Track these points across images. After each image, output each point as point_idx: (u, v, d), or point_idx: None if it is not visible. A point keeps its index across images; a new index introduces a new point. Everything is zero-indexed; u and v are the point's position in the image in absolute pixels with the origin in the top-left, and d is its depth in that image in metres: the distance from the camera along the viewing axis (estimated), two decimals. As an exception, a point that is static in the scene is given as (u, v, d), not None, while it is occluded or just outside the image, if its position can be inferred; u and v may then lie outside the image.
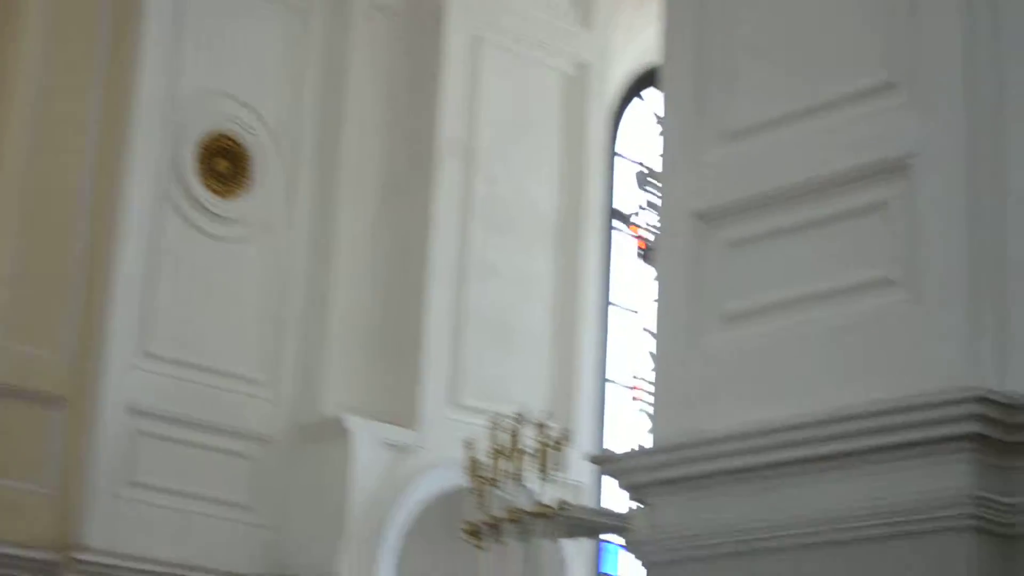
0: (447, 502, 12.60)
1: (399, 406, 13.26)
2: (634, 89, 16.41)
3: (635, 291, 16.04)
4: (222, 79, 13.33)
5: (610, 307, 15.80)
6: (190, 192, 12.94)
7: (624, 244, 16.23)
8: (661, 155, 7.65)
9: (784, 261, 6.79)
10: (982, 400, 5.84)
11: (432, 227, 13.66)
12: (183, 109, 13.05)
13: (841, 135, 6.60)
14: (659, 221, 7.96)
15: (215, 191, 13.11)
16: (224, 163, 13.20)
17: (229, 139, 13.22)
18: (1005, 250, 6.25)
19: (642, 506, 6.99)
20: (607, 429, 15.32)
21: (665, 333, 7.18)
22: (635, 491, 7.02)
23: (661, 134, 7.87)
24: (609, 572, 15.06)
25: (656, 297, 7.51)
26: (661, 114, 7.83)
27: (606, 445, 14.68)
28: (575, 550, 13.48)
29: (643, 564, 6.93)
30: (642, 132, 16.48)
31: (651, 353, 12.78)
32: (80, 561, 11.82)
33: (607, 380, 15.60)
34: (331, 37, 13.83)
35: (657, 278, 7.82)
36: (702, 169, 7.08)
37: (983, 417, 5.87)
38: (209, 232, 12.99)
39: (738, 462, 6.43)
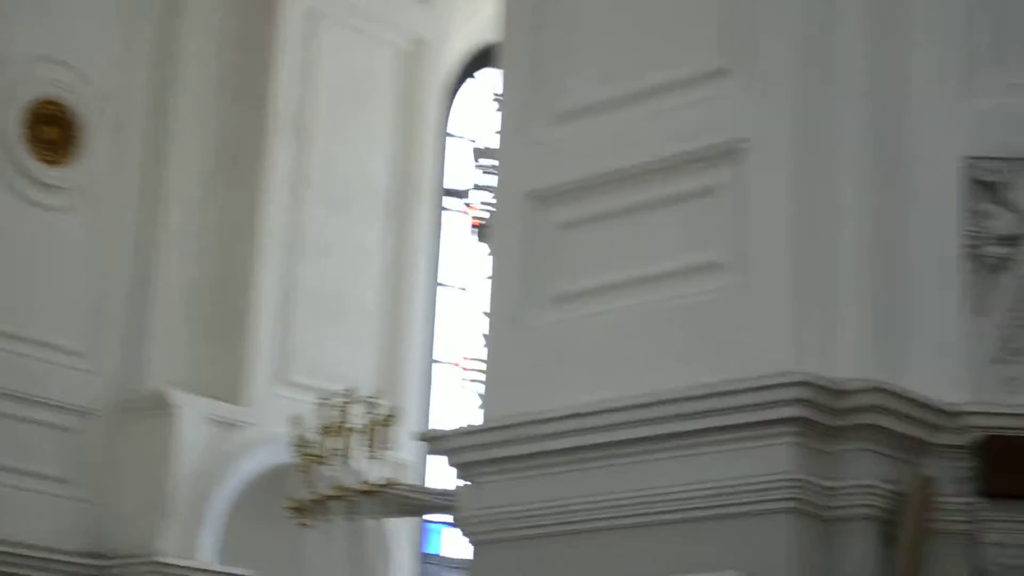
0: (273, 479, 12.53)
1: (226, 382, 13.15)
2: (470, 67, 16.44)
3: (466, 270, 16.07)
4: (51, 44, 12.98)
5: (440, 286, 15.82)
6: (15, 159, 12.62)
7: (456, 222, 16.25)
8: (497, 134, 7.67)
9: (615, 243, 6.83)
10: (805, 385, 5.94)
11: (263, 201, 13.55)
12: (9, 74, 12.73)
13: (674, 119, 6.65)
14: (493, 200, 7.99)
15: (42, 159, 12.80)
16: (51, 130, 12.89)
17: (57, 105, 12.92)
18: (832, 237, 6.39)
19: (470, 485, 6.99)
20: (435, 408, 15.38)
21: (497, 312, 7.19)
22: (464, 470, 7.02)
23: (498, 112, 7.87)
24: (433, 552, 15.10)
25: (488, 276, 7.54)
26: (497, 93, 7.84)
27: (434, 424, 14.68)
28: (400, 529, 13.55)
29: (470, 543, 6.94)
30: (477, 111, 16.50)
31: (482, 332, 12.88)
32: None
33: (435, 359, 15.64)
34: (164, 5, 13.59)
35: (490, 257, 7.82)
36: (537, 149, 7.09)
37: (806, 401, 5.98)
38: (33, 200, 12.69)
39: (567, 442, 6.46)
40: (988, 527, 6.33)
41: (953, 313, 6.64)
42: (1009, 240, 6.61)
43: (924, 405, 6.30)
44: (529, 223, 7.04)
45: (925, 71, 6.74)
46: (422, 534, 14.77)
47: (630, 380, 6.35)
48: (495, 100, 11.44)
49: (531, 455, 6.59)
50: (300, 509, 11.22)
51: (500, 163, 7.63)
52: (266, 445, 12.75)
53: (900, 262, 6.61)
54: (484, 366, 7.48)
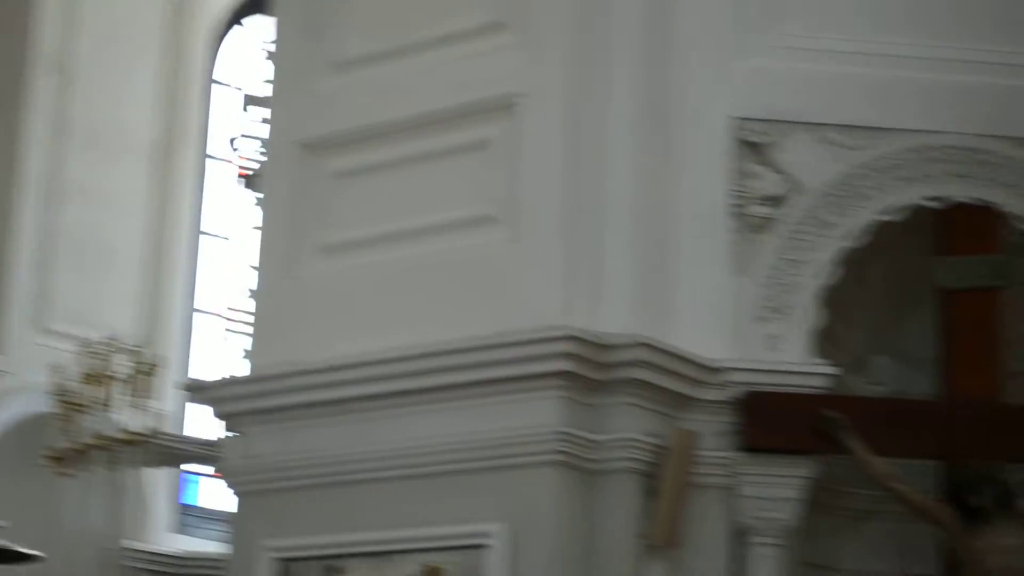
0: (31, 429, 12.37)
1: (-18, 329, 12.91)
2: (238, 14, 16.32)
3: (231, 219, 16.00)
4: None
5: (204, 235, 15.72)
6: None
7: (222, 171, 16.13)
8: (269, 82, 7.67)
9: (387, 195, 6.90)
10: (572, 339, 6.08)
11: (22, 144, 13.30)
12: None
13: (449, 72, 6.74)
14: (263, 149, 7.96)
15: None
16: None
17: None
18: (602, 194, 6.55)
19: (235, 435, 7.01)
20: (197, 358, 15.30)
21: (266, 262, 7.21)
22: (229, 420, 7.03)
23: (269, 61, 7.82)
24: (191, 503, 15.03)
25: (256, 225, 7.51)
26: (268, 41, 7.77)
27: (196, 374, 14.64)
28: (158, 479, 13.53)
29: (235, 493, 6.96)
30: (245, 58, 16.39)
31: (247, 283, 12.84)
32: None
33: (198, 308, 15.55)
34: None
35: (259, 206, 7.80)
36: (310, 98, 7.11)
37: (573, 356, 6.12)
38: None
39: (333, 393, 6.52)
40: (746, 480, 6.63)
41: (718, 271, 6.91)
42: (773, 200, 6.95)
43: (687, 361, 6.54)
44: (301, 172, 7.06)
45: (695, 32, 6.97)
46: (180, 485, 14.69)
47: (400, 332, 6.43)
48: (266, 48, 11.39)
49: (298, 406, 6.63)
50: (59, 459, 11.17)
51: (272, 112, 7.65)
52: (23, 394, 12.58)
53: (668, 220, 6.82)
54: (249, 316, 7.46)
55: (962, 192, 7.05)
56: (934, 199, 6.99)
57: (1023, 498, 6.68)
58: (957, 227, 7.27)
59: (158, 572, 12.85)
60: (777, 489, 6.73)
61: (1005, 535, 6.61)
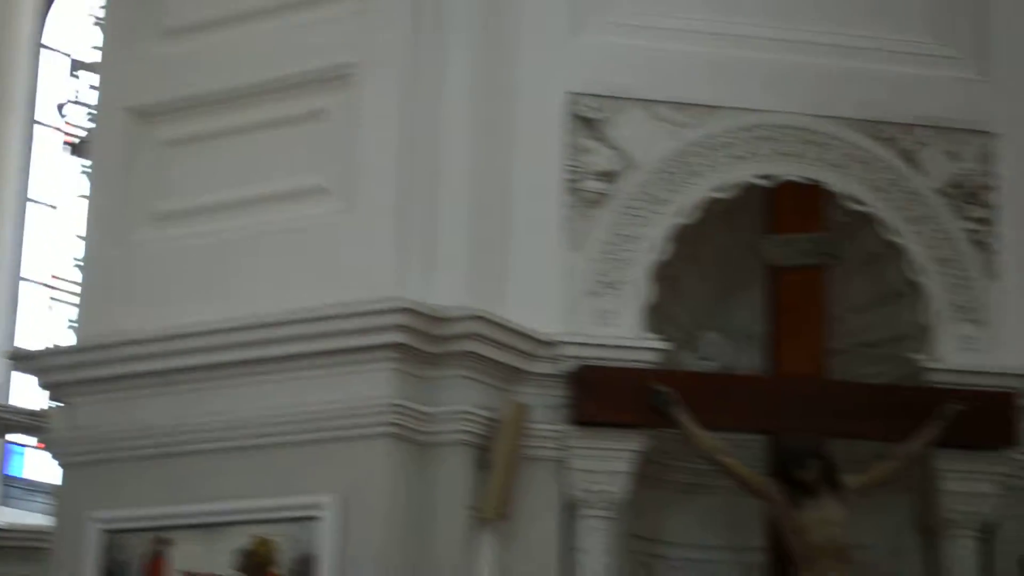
0: None
1: None
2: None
3: (58, 187, 15.74)
4: None
5: (30, 202, 15.44)
6: None
7: (48, 138, 15.85)
8: (99, 48, 7.53)
9: (221, 164, 6.85)
10: (406, 311, 6.10)
11: None
12: None
13: (285, 41, 6.71)
14: (93, 116, 7.84)
15: None
16: None
17: None
18: (437, 166, 6.59)
19: (62, 405, 6.90)
20: (23, 326, 15.05)
21: (94, 230, 7.10)
22: (54, 390, 6.93)
23: (98, 25, 7.65)
24: (15, 474, 14.77)
25: (84, 193, 7.37)
26: (98, 5, 7.62)
27: (21, 343, 14.39)
28: None
29: (60, 464, 6.87)
30: (73, 23, 16.08)
31: (75, 252, 12.62)
32: None
33: (23, 277, 15.28)
34: None
35: (88, 174, 7.68)
36: (142, 65, 7.02)
37: (406, 328, 6.14)
38: None
39: (161, 364, 6.46)
40: (577, 453, 6.72)
41: (552, 246, 6.99)
42: (607, 176, 7.09)
43: (521, 334, 6.61)
44: (132, 140, 6.97)
45: (533, 7, 7.04)
46: (4, 456, 14.43)
47: (232, 303, 6.40)
48: (95, 13, 11.18)
49: (125, 376, 6.56)
50: None
51: (102, 78, 7.52)
52: None
53: (503, 193, 6.90)
54: (76, 285, 7.32)
55: (791, 171, 7.22)
56: (763, 177, 7.14)
57: (846, 473, 6.82)
58: (785, 206, 7.45)
59: (-19, 543, 12.65)
60: (607, 462, 6.84)
61: (828, 509, 6.79)
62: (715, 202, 7.27)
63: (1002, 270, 7.54)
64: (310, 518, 6.15)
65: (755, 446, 7.27)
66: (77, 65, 14.86)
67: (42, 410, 7.56)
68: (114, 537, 6.49)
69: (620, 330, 6.96)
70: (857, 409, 7.18)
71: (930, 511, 7.41)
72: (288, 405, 6.25)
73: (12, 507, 13.85)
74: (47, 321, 15.08)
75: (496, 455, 6.46)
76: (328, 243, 6.48)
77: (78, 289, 7.92)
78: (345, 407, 6.22)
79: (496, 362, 6.47)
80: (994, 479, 7.30)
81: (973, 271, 7.50)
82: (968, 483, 7.26)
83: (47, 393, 7.05)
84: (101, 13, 7.68)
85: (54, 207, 15.59)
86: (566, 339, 6.76)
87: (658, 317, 7.22)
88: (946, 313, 7.46)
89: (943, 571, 7.40)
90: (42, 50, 15.59)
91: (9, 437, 13.62)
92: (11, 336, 14.53)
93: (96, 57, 7.70)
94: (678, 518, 7.86)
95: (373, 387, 6.18)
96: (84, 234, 7.36)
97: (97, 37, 7.61)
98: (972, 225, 7.56)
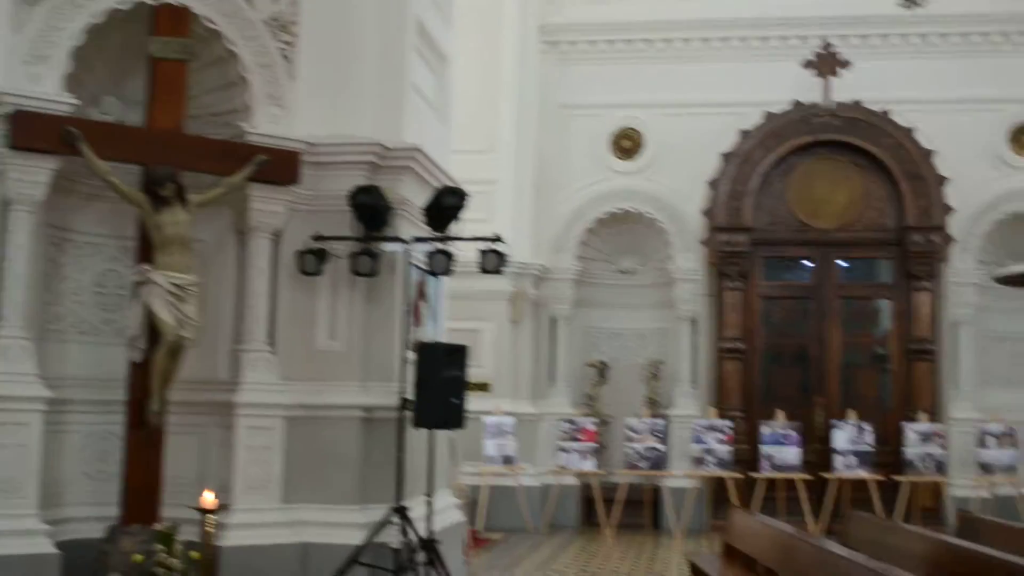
0: None
1: None
2: None
3: None
4: None
5: None
6: None
7: None
8: None
9: None
10: None
11: None
12: None
13: None
14: None
15: None
16: None
17: None
18: None
19: None
20: None
21: None
22: None
23: None
24: None
25: None
26: None
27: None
28: None
29: None
30: None
31: None
32: None
33: None
34: None
35: None
36: None
37: None
38: None
39: None
40: (11, 167, 7.56)
41: (4, 31, 7.61)
42: None
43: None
44: None
45: None
46: None
47: None
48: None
49: None
50: None
51: None
52: None
53: None
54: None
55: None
56: (153, -1, 7.71)
57: (192, 193, 7.85)
58: (164, 17, 8.29)
59: None
60: (33, 175, 7.65)
61: (177, 214, 7.79)
62: (117, 10, 8.01)
63: (298, 75, 8.75)
64: None
65: (134, 173, 7.97)
66: None
67: None
68: None
69: (46, 89, 7.65)
70: (203, 154, 8.09)
71: (243, 220, 8.55)
72: None
73: None
74: None
75: None
76: None
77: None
78: None
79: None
80: (283, 203, 8.58)
81: (281, 74, 8.63)
82: (268, 204, 8.52)
83: None
84: None
85: None
86: (8, 92, 7.51)
87: (74, 83, 7.85)
88: (262, 99, 8.53)
89: (248, 257, 8.49)
90: None
91: None
92: None
93: None
94: (82, 216, 8.50)
95: None
96: None
97: None
98: (282, 45, 8.69)
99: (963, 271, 15.56)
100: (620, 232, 16.58)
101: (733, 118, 15.89)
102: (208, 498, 7.29)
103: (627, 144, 16.43)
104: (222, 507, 7.79)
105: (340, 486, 8.62)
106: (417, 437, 8.89)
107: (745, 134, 15.73)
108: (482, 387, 15.11)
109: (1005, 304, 15.16)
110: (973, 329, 15.64)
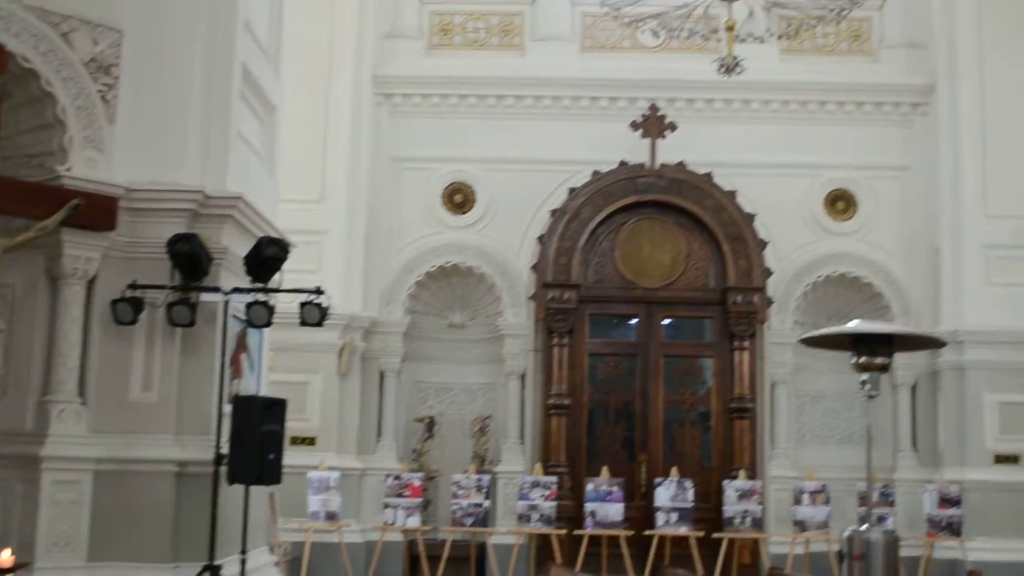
0: None
1: None
2: None
3: None
4: None
5: None
6: None
7: None
8: None
9: None
10: None
11: None
12: None
13: None
14: None
15: None
16: None
17: None
18: None
19: None
20: None
21: None
22: None
23: None
24: None
25: None
26: None
27: None
28: None
29: None
30: None
31: None
32: None
33: None
34: None
35: None
36: None
37: None
38: None
39: None
40: None
41: None
42: None
43: None
44: None
45: None
46: None
47: None
48: None
49: None
50: None
51: None
52: None
53: None
54: None
55: None
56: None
57: (1, 236, 7.74)
58: None
59: None
60: None
61: None
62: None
63: (118, 119, 8.66)
64: None
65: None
66: None
67: None
68: None
69: None
70: (14, 196, 7.95)
71: (56, 266, 8.43)
72: None
73: None
74: None
75: None
76: None
77: None
78: None
79: None
80: (99, 250, 8.49)
81: (100, 117, 8.53)
82: (83, 250, 8.42)
83: None
84: None
85: None
86: None
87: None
88: (79, 142, 8.43)
89: (60, 304, 8.40)
90: None
91: None
92: None
93: None
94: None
95: None
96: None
97: None
98: (102, 88, 8.62)
99: (781, 331, 15.88)
100: (451, 286, 16.57)
101: (563, 176, 16.07)
102: (4, 556, 6.94)
103: (459, 198, 16.45)
104: (20, 566, 7.43)
105: (151, 544, 8.43)
106: (233, 493, 8.69)
107: (573, 192, 15.87)
108: (308, 441, 14.86)
109: (820, 364, 15.47)
110: (790, 388, 15.99)
